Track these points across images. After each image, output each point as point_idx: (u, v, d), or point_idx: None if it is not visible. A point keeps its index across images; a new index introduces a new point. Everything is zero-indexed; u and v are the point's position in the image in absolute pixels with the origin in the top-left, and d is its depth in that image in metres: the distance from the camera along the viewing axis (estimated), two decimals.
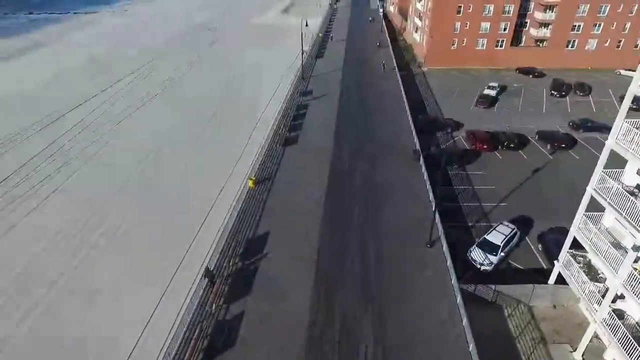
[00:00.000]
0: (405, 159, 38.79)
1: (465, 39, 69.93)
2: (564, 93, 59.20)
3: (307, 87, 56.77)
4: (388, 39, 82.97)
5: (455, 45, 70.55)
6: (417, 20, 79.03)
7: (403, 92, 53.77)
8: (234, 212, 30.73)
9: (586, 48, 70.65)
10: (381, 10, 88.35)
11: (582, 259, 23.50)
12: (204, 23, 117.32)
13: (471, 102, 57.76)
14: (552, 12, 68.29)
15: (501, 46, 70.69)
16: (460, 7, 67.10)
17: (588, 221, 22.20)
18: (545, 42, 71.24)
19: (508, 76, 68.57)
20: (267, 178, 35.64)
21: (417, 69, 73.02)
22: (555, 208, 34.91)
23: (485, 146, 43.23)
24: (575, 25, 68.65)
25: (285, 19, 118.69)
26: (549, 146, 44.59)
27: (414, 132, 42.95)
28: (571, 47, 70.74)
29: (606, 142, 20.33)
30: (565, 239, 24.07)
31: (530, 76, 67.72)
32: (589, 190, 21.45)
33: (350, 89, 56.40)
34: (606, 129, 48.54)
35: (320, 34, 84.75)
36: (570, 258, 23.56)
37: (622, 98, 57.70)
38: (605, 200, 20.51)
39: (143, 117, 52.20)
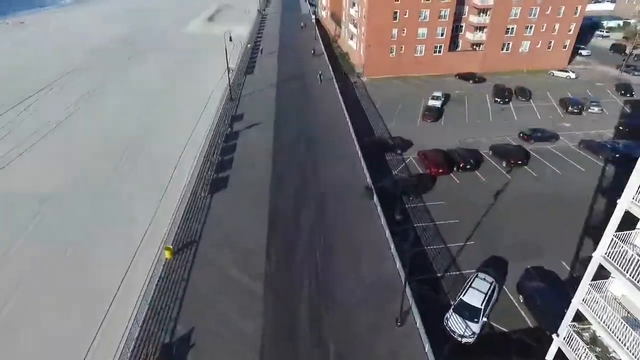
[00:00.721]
0: (357, 199, 33.19)
1: (403, 46, 66.50)
2: (507, 100, 57.44)
3: (237, 111, 49.56)
4: (322, 46, 77.78)
5: (394, 53, 66.92)
6: (351, 27, 74.60)
7: (345, 111, 48.41)
8: (144, 305, 23.05)
9: (520, 50, 70.35)
10: (313, 16, 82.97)
11: (586, 333, 19.12)
12: (122, 36, 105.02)
13: (417, 115, 53.96)
14: (487, 15, 66.95)
15: (439, 52, 68.23)
16: (396, 12, 63.44)
17: (594, 291, 17.77)
18: (481, 46, 69.92)
19: (449, 83, 66.15)
20: (190, 242, 28.21)
21: (356, 79, 68.45)
22: (525, 241, 31.17)
23: (440, 170, 38.97)
24: (509, 28, 67.91)
25: (211, 28, 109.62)
26: (504, 163, 41.44)
27: (362, 162, 37.51)
28: (506, 50, 70.06)
29: (618, 201, 15.85)
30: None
31: (471, 82, 65.82)
32: (597, 258, 16.96)
33: (287, 111, 49.99)
34: (554, 137, 46.72)
35: (249, 45, 77.50)
36: (573, 333, 19.09)
37: (561, 101, 57.65)
38: (617, 269, 16.11)
39: (22, 168, 41.65)
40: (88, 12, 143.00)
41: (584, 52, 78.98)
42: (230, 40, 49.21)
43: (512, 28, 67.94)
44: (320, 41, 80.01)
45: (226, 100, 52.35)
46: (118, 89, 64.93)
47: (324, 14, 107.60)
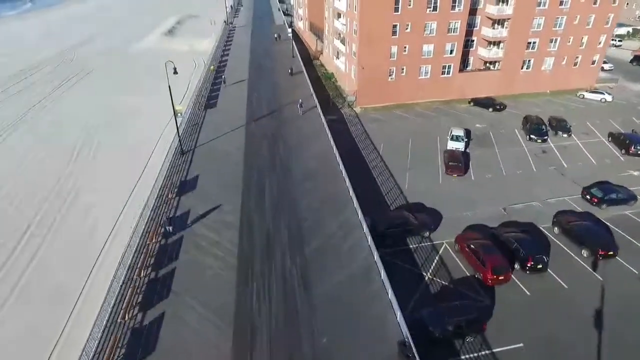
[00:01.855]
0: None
1: (405, 67, 53.08)
2: (544, 136, 44.63)
3: (188, 174, 34.55)
4: (302, 64, 63.55)
5: (394, 76, 53.38)
6: (338, 44, 60.77)
7: (343, 168, 33.98)
8: None
9: (543, 68, 58.14)
10: (290, 29, 68.82)
11: None
12: (62, 52, 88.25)
13: (436, 163, 40.39)
14: (504, 27, 54.38)
15: (448, 73, 55.17)
16: (395, 26, 49.98)
17: None
18: (497, 64, 57.31)
19: (464, 112, 53.07)
20: None
21: (347, 109, 54.51)
22: None
23: (501, 277, 25.20)
24: (531, 43, 55.56)
25: (170, 42, 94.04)
26: (585, 252, 28.15)
27: (383, 274, 23.13)
28: (527, 69, 57.69)
29: None
30: None
31: (490, 109, 52.90)
32: None
33: (260, 170, 35.17)
34: (633, 199, 33.81)
35: (212, 67, 62.51)
36: None
37: (612, 137, 45.24)
38: None
39: None
40: (32, 23, 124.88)
41: (606, 67, 67.61)
42: (175, 72, 34.19)
43: (534, 42, 55.60)
44: (299, 58, 65.76)
45: (175, 154, 37.34)
46: (25, 138, 49.02)
47: (301, 25, 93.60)
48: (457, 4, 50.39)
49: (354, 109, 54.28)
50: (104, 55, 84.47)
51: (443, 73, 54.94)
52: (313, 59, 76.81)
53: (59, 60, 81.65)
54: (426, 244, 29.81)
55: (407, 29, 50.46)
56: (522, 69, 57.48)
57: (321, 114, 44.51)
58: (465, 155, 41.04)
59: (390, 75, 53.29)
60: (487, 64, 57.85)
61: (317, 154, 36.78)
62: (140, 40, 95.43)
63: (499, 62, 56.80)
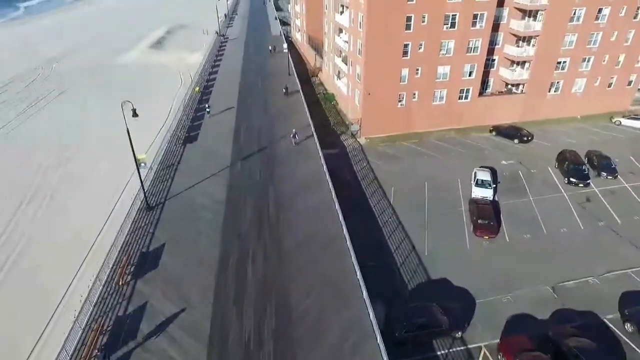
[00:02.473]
0: None
1: (417, 92, 45.97)
2: (586, 179, 37.44)
3: (152, 242, 27.33)
4: (298, 82, 56.43)
5: (404, 102, 46.26)
6: (339, 63, 53.65)
7: (347, 236, 26.77)
8: None
9: (573, 91, 51.00)
10: (285, 45, 61.37)
11: None
12: (39, 65, 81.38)
13: (459, 218, 33.22)
14: (530, 45, 47.25)
15: (467, 98, 48.04)
16: (407, 45, 42.90)
17: None
18: (520, 87, 50.16)
19: (484, 143, 45.93)
20: None
21: (349, 138, 47.38)
22: None
23: None
24: (560, 62, 48.45)
25: (157, 55, 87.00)
26: None
27: None
28: (555, 91, 50.55)
29: None
30: None
31: (516, 141, 45.72)
32: None
33: (244, 240, 27.91)
34: None
35: (197, 88, 55.39)
36: None
37: None
38: None
39: None
40: (16, 32, 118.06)
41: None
42: (135, 115, 26.99)
43: (564, 62, 48.48)
44: (296, 76, 58.59)
45: (139, 211, 30.13)
46: None
47: (298, 37, 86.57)
48: (478, 20, 43.33)
49: (358, 139, 47.13)
50: (83, 70, 77.39)
51: (460, 98, 47.80)
52: (311, 75, 69.71)
53: (33, 77, 74.62)
54: (459, 348, 22.59)
55: (420, 48, 43.37)
56: (549, 91, 50.32)
57: (319, 149, 37.35)
58: (495, 207, 33.79)
59: (400, 101, 46.16)
60: (507, 86, 50.71)
61: (315, 210, 29.46)
62: (125, 53, 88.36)
63: (523, 84, 49.63)
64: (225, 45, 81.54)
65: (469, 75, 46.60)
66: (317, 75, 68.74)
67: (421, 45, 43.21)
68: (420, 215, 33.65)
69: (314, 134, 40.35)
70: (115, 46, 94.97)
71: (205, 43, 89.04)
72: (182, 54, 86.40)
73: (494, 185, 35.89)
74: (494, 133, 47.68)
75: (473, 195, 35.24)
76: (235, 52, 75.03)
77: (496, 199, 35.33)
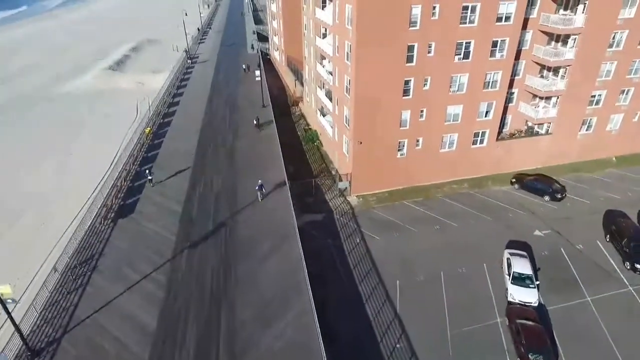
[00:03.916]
0: None
1: (421, 138, 36.26)
2: None
3: None
4: (273, 115, 46.32)
5: (405, 151, 36.50)
6: (322, 96, 43.73)
7: None
8: None
9: (608, 128, 41.98)
10: (257, 73, 50.52)
11: None
12: None
13: (493, 340, 23.33)
14: (560, 76, 38.03)
15: (482, 142, 38.55)
16: (408, 82, 33.20)
17: None
18: (547, 126, 40.87)
19: (504, 200, 36.38)
20: None
21: (336, 196, 37.33)
22: None
23: None
24: (595, 97, 39.40)
25: (113, 79, 75.86)
26: None
27: None
28: (586, 130, 41.45)
29: None
30: None
31: (546, 198, 36.23)
32: None
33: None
34: None
35: (149, 128, 44.69)
36: None
37: None
38: None
39: None
40: None
41: None
42: None
43: (599, 95, 39.47)
44: (270, 107, 48.33)
45: None
46: None
47: (277, 56, 76.58)
48: (498, 48, 33.91)
49: (348, 198, 37.09)
50: (17, 102, 65.92)
51: (474, 143, 38.30)
52: (291, 104, 59.65)
53: None
54: None
55: (425, 85, 33.72)
56: (580, 130, 41.21)
57: (295, 225, 27.23)
58: (542, 316, 23.98)
59: (399, 150, 36.37)
60: (527, 124, 41.43)
61: (288, 351, 19.23)
62: (75, 78, 76.92)
63: (549, 123, 40.38)
64: (192, 69, 70.72)
65: (486, 116, 37.13)
66: (297, 105, 58.68)
67: (426, 81, 33.56)
68: (439, 332, 23.70)
69: (289, 193, 30.15)
70: (65, 68, 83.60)
71: (172, 63, 78.27)
72: (144, 77, 75.63)
73: (538, 282, 26.08)
74: (516, 186, 38.20)
75: (510, 298, 25.45)
76: (203, 76, 64.47)
77: (541, 301, 25.55)
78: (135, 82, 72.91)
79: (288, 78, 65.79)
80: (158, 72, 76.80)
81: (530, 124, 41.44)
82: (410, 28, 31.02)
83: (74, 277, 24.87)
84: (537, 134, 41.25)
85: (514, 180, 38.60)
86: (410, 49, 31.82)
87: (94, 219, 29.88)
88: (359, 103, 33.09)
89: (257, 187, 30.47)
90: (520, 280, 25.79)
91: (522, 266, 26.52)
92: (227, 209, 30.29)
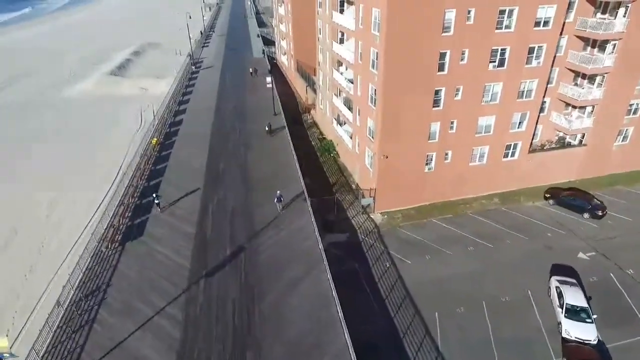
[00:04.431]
0: None
1: (450, 151, 33.76)
2: None
3: None
4: (284, 119, 43.99)
5: (433, 165, 33.98)
6: (339, 105, 41.20)
7: None
8: None
9: None
10: (268, 79, 47.95)
11: None
12: None
13: None
14: (596, 85, 35.60)
15: (514, 155, 36.06)
16: (438, 92, 30.73)
17: None
18: (581, 137, 38.41)
19: (539, 217, 33.86)
20: None
21: (359, 213, 34.75)
22: None
23: None
24: (632, 104, 37.00)
25: (115, 85, 73.27)
26: None
27: None
28: (622, 141, 39.02)
29: None
30: None
31: (586, 215, 33.72)
32: None
33: None
34: None
35: (155, 139, 42.09)
36: None
37: None
38: None
39: None
40: None
41: None
42: None
43: (637, 104, 37.06)
44: (282, 113, 45.91)
45: None
46: None
47: (285, 61, 74.12)
48: (535, 54, 31.48)
49: (372, 215, 34.52)
50: (13, 109, 63.25)
51: (506, 155, 35.79)
52: (302, 111, 57.16)
53: None
54: None
55: (456, 95, 31.25)
56: (615, 141, 38.77)
57: (319, 238, 24.80)
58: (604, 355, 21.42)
59: (427, 164, 33.84)
60: (557, 133, 38.96)
61: None
62: (75, 83, 74.27)
63: (583, 134, 37.94)
64: (197, 74, 68.13)
65: (519, 127, 34.66)
66: (309, 113, 56.15)
67: (458, 90, 31.09)
68: None
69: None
70: (65, 73, 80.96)
71: (176, 66, 75.68)
72: (147, 82, 73.04)
73: (595, 316, 23.50)
74: (551, 202, 35.68)
75: (565, 334, 22.85)
76: (209, 82, 61.97)
77: (599, 338, 22.95)
78: (139, 88, 70.34)
79: (298, 84, 63.31)
80: (162, 77, 74.25)
81: (561, 134, 39.00)
82: (444, 34, 28.56)
83: (79, 312, 22.28)
84: (569, 144, 38.82)
85: (548, 195, 36.08)
86: (443, 56, 29.36)
87: (99, 242, 27.29)
88: (386, 115, 30.57)
89: (275, 199, 28.63)
90: (574, 313, 23.23)
91: (575, 297, 23.96)
92: (244, 230, 27.79)
